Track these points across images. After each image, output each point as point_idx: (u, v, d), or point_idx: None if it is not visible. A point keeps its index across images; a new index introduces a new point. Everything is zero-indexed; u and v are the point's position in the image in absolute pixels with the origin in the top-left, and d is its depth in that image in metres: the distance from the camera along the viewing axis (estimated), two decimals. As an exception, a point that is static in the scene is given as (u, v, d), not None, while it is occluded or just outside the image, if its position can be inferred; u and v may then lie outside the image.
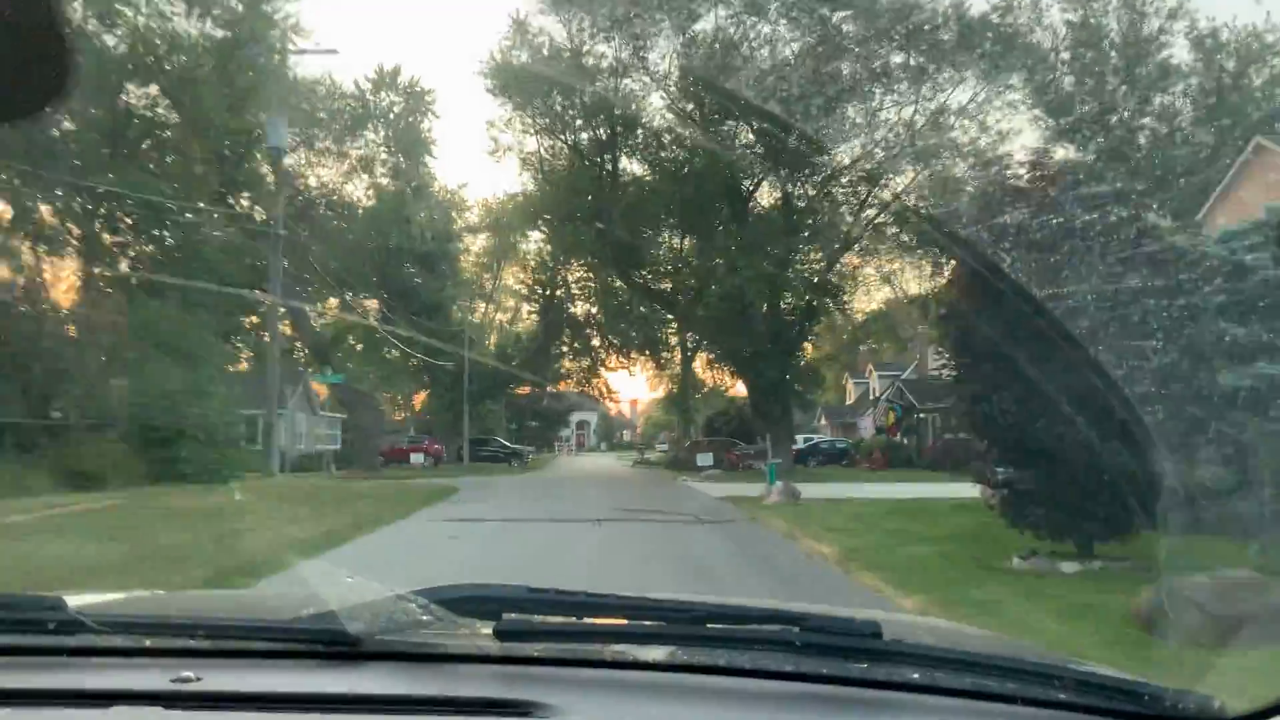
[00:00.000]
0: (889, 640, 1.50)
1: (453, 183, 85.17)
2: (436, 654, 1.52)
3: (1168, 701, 1.35)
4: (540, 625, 1.58)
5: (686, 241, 39.89)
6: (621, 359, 60.22)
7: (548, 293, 58.45)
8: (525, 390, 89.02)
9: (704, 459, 41.49)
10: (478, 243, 74.53)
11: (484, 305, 78.89)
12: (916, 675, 1.43)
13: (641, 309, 57.02)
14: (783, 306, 38.93)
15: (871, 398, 59.83)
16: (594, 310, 58.90)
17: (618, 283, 46.24)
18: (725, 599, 1.98)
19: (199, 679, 1.40)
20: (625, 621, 1.65)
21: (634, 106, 36.73)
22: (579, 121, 39.11)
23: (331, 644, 1.51)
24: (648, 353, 59.24)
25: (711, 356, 51.67)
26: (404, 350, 52.08)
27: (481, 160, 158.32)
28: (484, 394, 57.91)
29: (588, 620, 1.61)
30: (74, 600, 1.63)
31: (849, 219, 38.53)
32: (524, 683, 1.41)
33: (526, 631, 1.54)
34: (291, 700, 1.37)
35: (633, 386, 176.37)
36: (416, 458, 43.13)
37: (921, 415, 45.88)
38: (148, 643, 1.57)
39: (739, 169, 37.26)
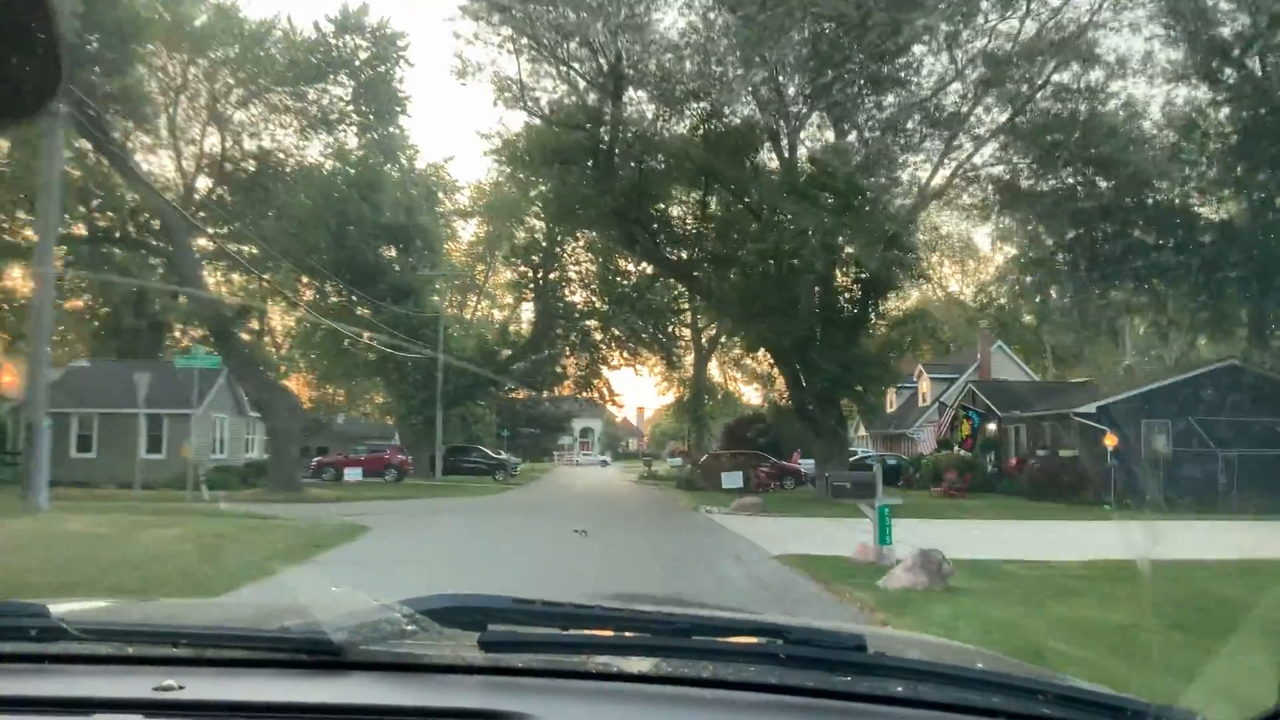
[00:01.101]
0: (873, 653, 1.48)
1: (436, 156, 74.70)
2: (421, 664, 1.48)
3: (1150, 716, 1.33)
4: (525, 636, 1.55)
5: (713, 198, 29.77)
6: (626, 355, 50.16)
7: (540, 277, 48.45)
8: (521, 394, 79.42)
9: (731, 479, 31.32)
10: (469, 230, 64.80)
11: (475, 299, 69.09)
12: (900, 689, 1.40)
13: (649, 294, 47.11)
14: (838, 279, 28.92)
15: (924, 404, 49.58)
16: (594, 296, 48.93)
17: (623, 259, 36.32)
18: (711, 611, 1.86)
19: (181, 687, 1.37)
20: (610, 633, 1.64)
21: (645, 10, 26.77)
22: (573, 45, 29.27)
23: (315, 653, 1.47)
24: (657, 347, 49.19)
25: (740, 347, 41.68)
26: (364, 341, 42.30)
27: (471, 140, 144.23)
28: (464, 395, 47.85)
29: (573, 631, 1.60)
30: (57, 608, 1.61)
31: (929, 163, 28.49)
32: (509, 693, 1.39)
33: (511, 642, 1.51)
34: (275, 709, 1.34)
35: (638, 393, 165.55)
36: (353, 472, 32.93)
37: (1003, 425, 35.78)
38: (130, 650, 1.53)
39: (784, 96, 27.25)
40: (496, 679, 1.45)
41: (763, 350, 34.54)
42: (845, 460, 28.94)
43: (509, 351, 50.35)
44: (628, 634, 1.63)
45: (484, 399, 50.02)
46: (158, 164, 49.22)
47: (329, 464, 42.02)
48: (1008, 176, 29.47)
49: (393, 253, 46.56)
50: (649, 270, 38.67)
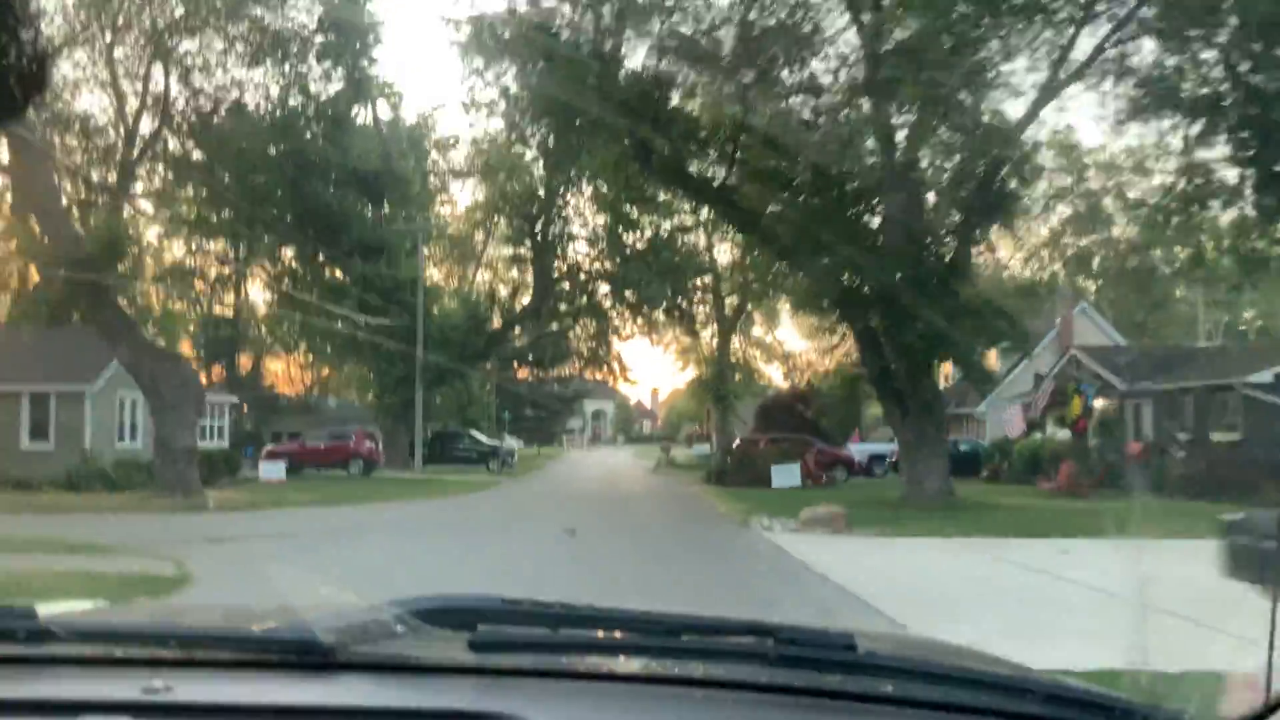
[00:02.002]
0: (863, 653, 1.47)
1: (424, 104, 66.12)
2: (410, 665, 1.45)
3: (1138, 716, 1.32)
4: (515, 637, 1.55)
5: (755, 92, 21.31)
6: (640, 323, 41.97)
7: (539, 231, 40.27)
8: (524, 372, 71.42)
9: (783, 473, 22.99)
10: (466, 195, 56.59)
11: (474, 271, 60.71)
12: (891, 688, 1.39)
13: (666, 251, 38.91)
14: (933, 200, 20.69)
15: (1004, 377, 41.07)
16: (602, 257, 40.79)
17: (635, 205, 28.27)
18: (701, 612, 1.75)
19: (170, 689, 1.33)
20: (600, 633, 1.63)
21: None
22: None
23: (304, 654, 1.43)
24: (675, 313, 41.06)
25: (788, 301, 33.45)
26: (316, 303, 34.45)
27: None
28: (450, 370, 39.81)
29: (563, 632, 1.58)
30: (45, 610, 1.59)
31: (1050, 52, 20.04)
32: (499, 694, 1.35)
33: (501, 643, 1.50)
34: (263, 711, 1.31)
35: (652, 374, 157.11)
36: (272, 469, 24.58)
37: (1124, 402, 27.48)
38: (118, 652, 1.49)
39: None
40: (486, 680, 1.41)
41: (810, 312, 26.33)
42: (943, 447, 20.74)
43: (502, 320, 42.26)
44: (618, 634, 1.63)
45: (474, 375, 41.98)
46: (96, 105, 41.48)
47: (282, 454, 34.14)
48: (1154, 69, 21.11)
49: (359, 204, 38.49)
50: (665, 197, 30.45)
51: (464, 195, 76.32)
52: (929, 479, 20.05)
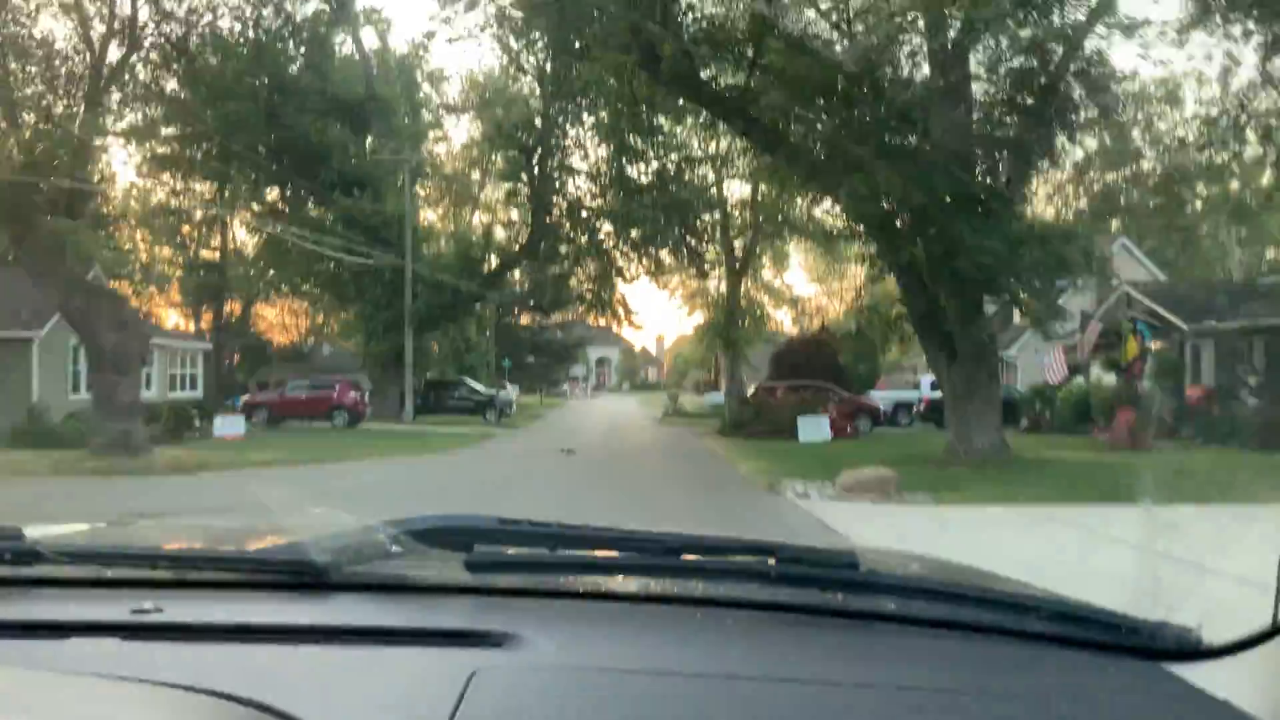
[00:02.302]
0: (865, 571, 1.46)
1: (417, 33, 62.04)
2: (406, 585, 1.43)
3: (1144, 633, 1.28)
4: (512, 557, 1.53)
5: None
6: (645, 263, 38.95)
7: (536, 163, 37.10)
8: (525, 318, 68.66)
9: (811, 426, 20.14)
10: (461, 129, 53.02)
11: (470, 212, 57.46)
12: (893, 606, 1.37)
13: (673, 185, 35.80)
14: (986, 112, 17.69)
15: (1019, 320, 38.22)
16: (604, 193, 37.68)
17: (644, 108, 25.00)
18: (700, 531, 1.71)
19: (159, 610, 1.31)
20: (598, 553, 1.60)
21: None
22: None
23: (298, 574, 1.41)
24: (683, 252, 38.08)
25: (811, 229, 30.43)
26: (300, 245, 31.51)
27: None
28: (442, 314, 36.93)
29: (560, 551, 1.55)
30: (32, 531, 1.57)
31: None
32: (496, 613, 1.33)
33: (498, 563, 1.47)
34: (256, 631, 1.28)
35: (657, 320, 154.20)
36: (229, 425, 21.47)
37: (1184, 343, 24.61)
38: (107, 574, 1.47)
39: None
40: (483, 599, 1.40)
41: (843, 240, 23.44)
42: (996, 396, 17.91)
43: (498, 261, 39.26)
44: (616, 554, 1.60)
45: (470, 320, 39.12)
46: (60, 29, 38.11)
47: (260, 405, 31.53)
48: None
49: (342, 133, 35.39)
50: (671, 126, 27.31)
51: (459, 132, 72.42)
52: (979, 432, 17.31)
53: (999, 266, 15.63)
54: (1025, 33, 16.60)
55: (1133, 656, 1.26)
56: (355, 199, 33.47)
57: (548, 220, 39.01)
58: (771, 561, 1.43)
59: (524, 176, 37.69)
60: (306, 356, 59.40)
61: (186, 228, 47.67)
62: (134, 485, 14.79)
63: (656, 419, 41.08)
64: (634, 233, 37.33)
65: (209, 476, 15.99)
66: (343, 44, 38.92)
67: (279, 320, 62.78)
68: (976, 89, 17.85)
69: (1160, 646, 1.26)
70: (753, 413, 27.68)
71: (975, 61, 17.00)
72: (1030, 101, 16.89)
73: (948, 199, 16.04)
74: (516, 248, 40.03)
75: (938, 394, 32.29)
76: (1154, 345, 24.64)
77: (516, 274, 55.24)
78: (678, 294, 56.04)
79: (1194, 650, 1.25)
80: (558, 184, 37.72)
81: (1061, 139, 17.64)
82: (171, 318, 57.25)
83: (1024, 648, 1.28)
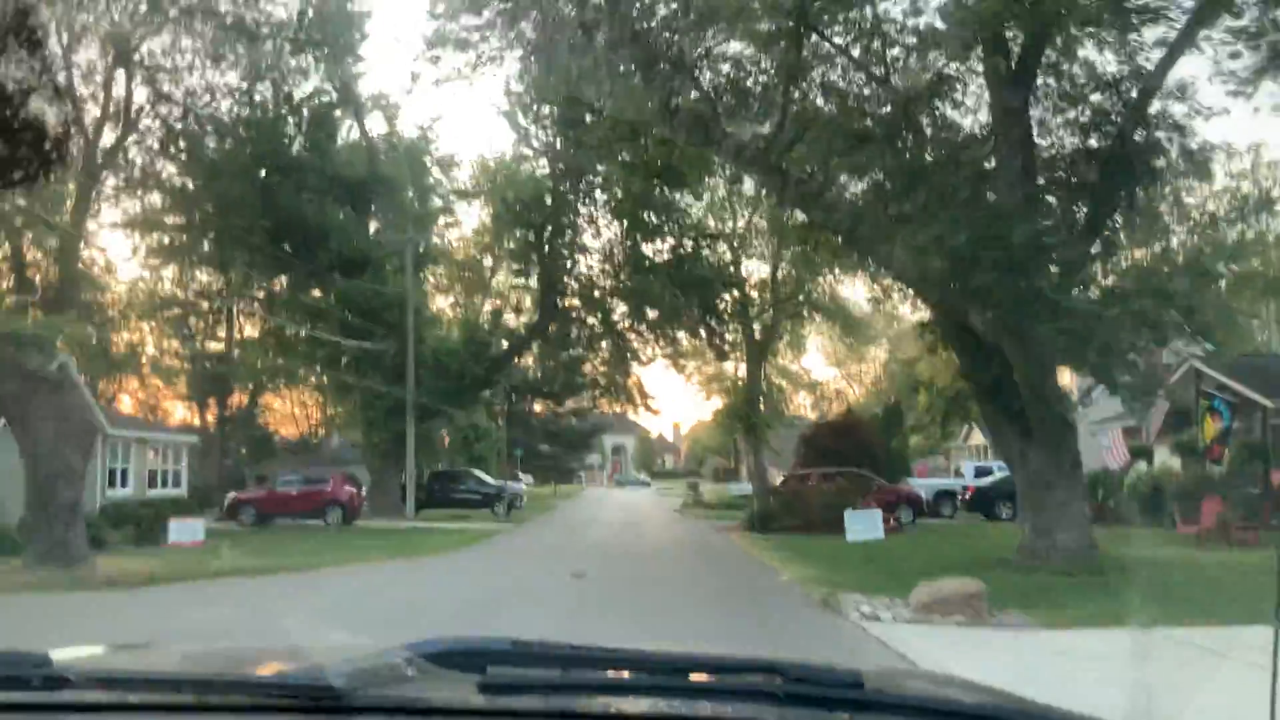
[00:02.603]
0: (870, 690, 1.47)
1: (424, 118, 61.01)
2: (422, 708, 1.43)
3: None
4: (525, 679, 1.54)
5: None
6: (662, 344, 36.57)
7: (546, 241, 35.07)
8: (540, 407, 66.22)
9: (861, 523, 17.19)
10: (472, 215, 51.30)
11: (481, 299, 55.45)
12: None
13: (689, 264, 33.67)
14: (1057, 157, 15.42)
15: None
16: (615, 272, 35.55)
17: (654, 212, 22.91)
18: (708, 650, 1.79)
19: None
20: (610, 674, 1.63)
21: None
22: None
23: (317, 698, 1.42)
24: (702, 331, 35.67)
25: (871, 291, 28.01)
26: (296, 330, 29.36)
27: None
28: (447, 400, 34.46)
29: (573, 673, 1.58)
30: (59, 655, 1.60)
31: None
32: None
33: (511, 685, 1.50)
34: None
35: (672, 407, 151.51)
36: (185, 530, 18.65)
37: (1267, 421, 21.83)
38: (133, 699, 1.49)
39: None
40: None
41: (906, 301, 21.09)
42: (1080, 484, 15.18)
43: (506, 344, 36.92)
44: (626, 674, 1.63)
45: (480, 408, 36.61)
46: (55, 112, 36.77)
47: (247, 502, 28.92)
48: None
49: (342, 215, 33.55)
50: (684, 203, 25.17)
51: (470, 218, 71.29)
52: (1063, 528, 14.54)
53: (1084, 329, 13.09)
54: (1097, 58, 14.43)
55: None
56: (355, 279, 31.42)
57: (559, 303, 36.90)
58: (778, 681, 1.44)
59: (533, 256, 35.66)
60: (315, 449, 56.92)
61: (190, 318, 45.82)
62: (58, 605, 12.19)
63: (675, 510, 38.16)
64: (650, 312, 35.07)
65: (151, 593, 13.36)
66: (350, 130, 37.46)
67: (289, 411, 60.68)
68: (1040, 133, 15.60)
69: None
70: (783, 504, 24.90)
71: (1041, 94, 14.76)
72: (1107, 143, 14.58)
73: (1018, 251, 13.60)
74: (525, 330, 37.78)
75: (982, 482, 29.56)
76: (1233, 424, 21.90)
77: (530, 360, 53.09)
78: (694, 379, 53.77)
79: None
80: (569, 263, 35.68)
81: (1143, 185, 15.20)
82: (180, 411, 55.47)
83: None
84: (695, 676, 1.55)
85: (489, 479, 38.25)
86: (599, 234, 35.62)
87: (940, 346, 17.92)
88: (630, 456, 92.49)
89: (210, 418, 49.69)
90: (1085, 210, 15.09)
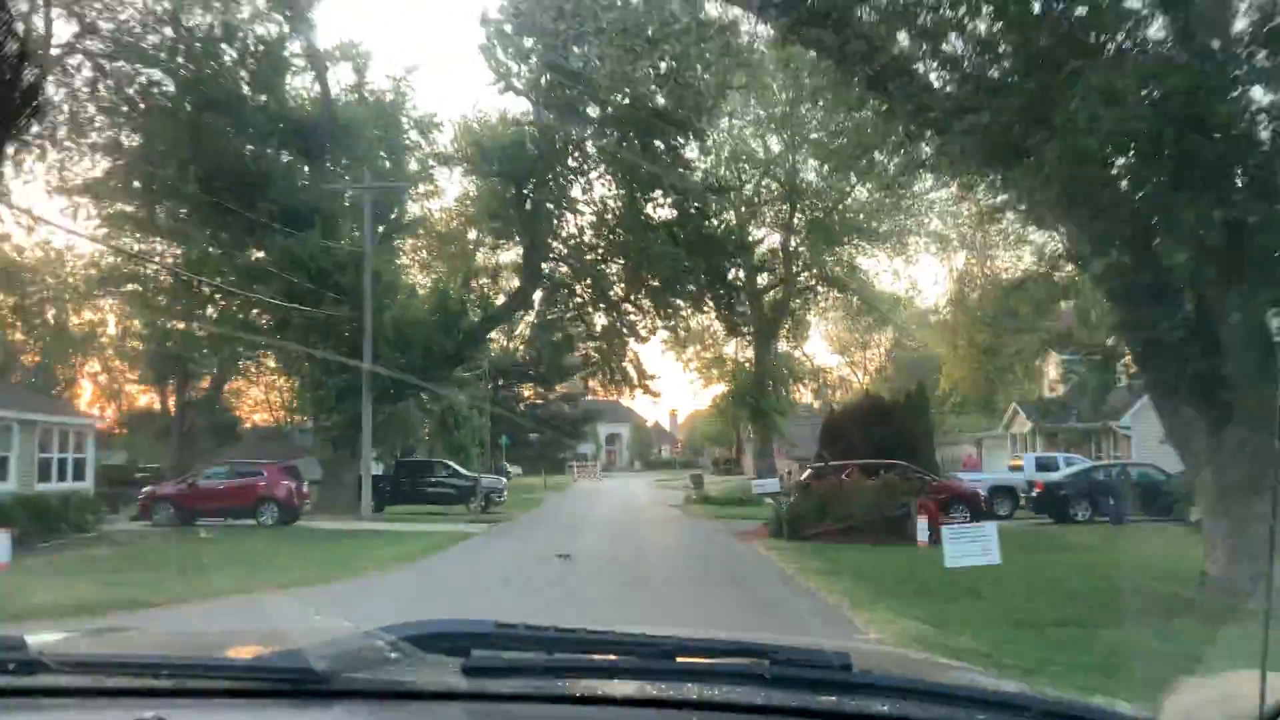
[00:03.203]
0: (858, 672, 1.44)
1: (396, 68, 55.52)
2: (405, 691, 1.41)
3: None
4: (509, 662, 1.51)
5: None
6: (664, 316, 31.50)
7: (523, 194, 29.88)
8: (529, 391, 61.10)
9: (962, 544, 11.92)
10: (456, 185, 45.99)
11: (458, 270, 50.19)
12: (886, 708, 1.35)
13: (696, 218, 28.54)
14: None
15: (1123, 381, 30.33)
16: (613, 234, 30.50)
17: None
18: (694, 632, 1.75)
19: (161, 718, 1.29)
20: (594, 657, 1.59)
21: None
22: None
23: (299, 682, 1.39)
24: (709, 300, 30.57)
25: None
26: (210, 284, 24.27)
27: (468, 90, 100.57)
28: (408, 383, 29.34)
29: (557, 655, 1.55)
30: (35, 639, 1.54)
31: None
32: (493, 719, 1.34)
33: (495, 668, 1.46)
34: None
35: (669, 395, 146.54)
36: None
37: None
38: (110, 683, 1.44)
39: None
40: (481, 705, 1.38)
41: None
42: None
43: (481, 314, 31.75)
44: (611, 657, 1.58)
45: (444, 386, 31.51)
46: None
47: (166, 498, 23.87)
48: None
49: (293, 165, 28.41)
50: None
51: (453, 188, 66.20)
52: None
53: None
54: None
55: None
56: (301, 235, 26.33)
57: (544, 269, 31.85)
58: (765, 663, 1.41)
59: (513, 213, 30.52)
60: (285, 436, 51.79)
61: (138, 289, 40.59)
62: None
63: (677, 506, 33.21)
64: (649, 278, 29.98)
65: None
66: (312, 85, 32.07)
67: (264, 397, 55.76)
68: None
69: None
70: (816, 504, 19.92)
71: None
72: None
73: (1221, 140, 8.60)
74: (506, 299, 32.73)
75: (1052, 476, 24.63)
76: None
77: (517, 342, 47.93)
78: (692, 365, 48.82)
79: None
80: (556, 221, 30.57)
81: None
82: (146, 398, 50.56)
83: None
84: (682, 659, 1.51)
85: (463, 470, 33.20)
86: (590, 187, 30.56)
87: (1075, 291, 12.85)
88: (625, 446, 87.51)
89: (170, 402, 44.98)
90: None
